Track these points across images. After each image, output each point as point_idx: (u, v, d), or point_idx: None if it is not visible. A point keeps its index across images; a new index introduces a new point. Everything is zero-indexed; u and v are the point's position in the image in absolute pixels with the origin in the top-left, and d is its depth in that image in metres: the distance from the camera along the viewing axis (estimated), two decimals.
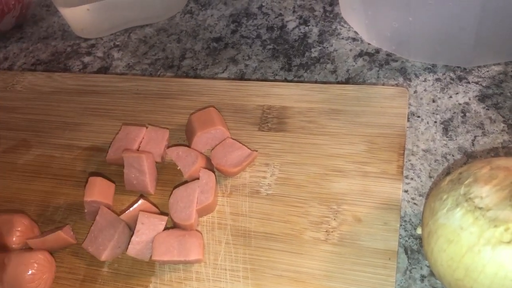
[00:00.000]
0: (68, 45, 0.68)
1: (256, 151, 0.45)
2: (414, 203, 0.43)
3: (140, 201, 0.42)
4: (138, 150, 0.46)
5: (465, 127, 0.47)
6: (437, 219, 0.33)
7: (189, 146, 0.46)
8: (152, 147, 0.46)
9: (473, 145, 0.45)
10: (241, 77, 0.57)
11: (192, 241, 0.39)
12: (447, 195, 0.33)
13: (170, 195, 0.42)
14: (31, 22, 0.74)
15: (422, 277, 0.38)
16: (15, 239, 0.40)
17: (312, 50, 0.58)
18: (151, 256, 0.39)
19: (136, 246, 0.40)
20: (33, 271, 0.37)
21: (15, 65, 0.67)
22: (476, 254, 0.30)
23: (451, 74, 0.51)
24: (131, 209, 0.41)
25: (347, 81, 0.53)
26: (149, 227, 0.40)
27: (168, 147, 0.46)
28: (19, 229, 0.40)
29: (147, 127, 0.48)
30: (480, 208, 0.31)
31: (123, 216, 0.41)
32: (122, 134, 0.47)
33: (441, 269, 0.33)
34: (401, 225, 0.41)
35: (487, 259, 0.30)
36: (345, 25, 0.59)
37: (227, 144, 0.45)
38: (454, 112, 0.48)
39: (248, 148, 0.45)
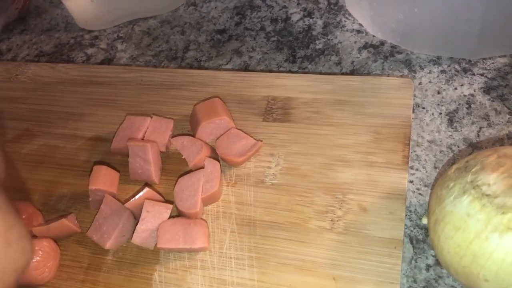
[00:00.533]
0: (71, 37, 0.68)
1: (261, 141, 0.45)
2: (420, 194, 0.43)
3: (146, 190, 0.42)
4: (142, 139, 0.46)
5: (470, 118, 0.47)
6: (444, 206, 0.33)
7: (193, 136, 0.46)
8: (156, 137, 0.46)
9: (478, 136, 0.45)
10: (245, 69, 0.57)
11: (197, 230, 0.39)
12: (454, 183, 0.33)
13: (175, 184, 0.42)
14: (34, 14, 0.74)
15: (428, 267, 0.38)
16: None
17: (317, 42, 0.58)
18: (156, 244, 0.39)
19: (141, 234, 0.39)
20: (38, 258, 0.37)
21: (18, 56, 0.67)
22: (483, 240, 0.30)
23: (456, 66, 0.51)
24: (136, 197, 0.41)
25: (351, 73, 0.53)
26: (154, 215, 0.40)
27: (173, 137, 0.46)
28: (23, 216, 0.40)
29: (151, 117, 0.48)
30: (488, 195, 0.31)
31: (128, 205, 0.41)
32: (127, 123, 0.47)
33: (447, 256, 0.33)
34: (406, 215, 0.41)
35: (494, 245, 0.30)
36: (350, 17, 0.59)
37: (231, 134, 0.45)
38: (459, 104, 0.48)
39: (253, 138, 0.45)
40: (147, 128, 0.47)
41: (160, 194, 0.43)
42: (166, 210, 0.40)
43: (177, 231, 0.39)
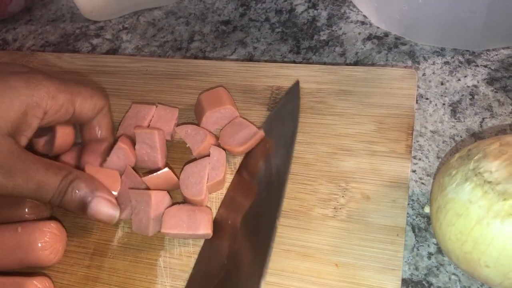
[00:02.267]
0: (76, 27, 0.68)
1: (261, 129, 0.45)
2: (422, 183, 0.43)
3: (165, 169, 0.42)
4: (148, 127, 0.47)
5: (473, 109, 0.47)
6: (446, 193, 0.33)
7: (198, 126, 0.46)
8: (161, 125, 0.47)
9: (481, 126, 0.45)
10: (250, 60, 0.57)
11: (202, 216, 0.40)
12: (456, 170, 0.34)
13: (180, 172, 0.42)
14: (39, 4, 0.74)
15: (430, 255, 0.39)
16: (27, 210, 0.40)
17: (321, 33, 0.58)
18: (159, 230, 0.40)
19: (136, 223, 0.40)
20: (46, 238, 0.38)
21: (24, 46, 0.67)
22: (485, 227, 0.31)
23: (460, 58, 0.51)
24: (155, 174, 0.42)
25: (355, 64, 0.53)
26: (142, 204, 0.40)
27: (177, 125, 0.47)
28: (29, 201, 0.40)
29: (156, 106, 0.48)
30: (489, 182, 0.31)
31: (146, 179, 0.42)
32: (132, 112, 0.48)
33: (449, 243, 0.33)
34: (408, 204, 0.41)
35: (495, 231, 0.30)
36: (354, 9, 0.59)
37: (235, 124, 0.45)
38: (463, 95, 0.48)
39: (255, 126, 0.45)
40: (153, 116, 0.47)
41: (176, 174, 0.44)
42: (149, 197, 0.40)
43: (181, 217, 0.39)
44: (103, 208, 0.39)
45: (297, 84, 0.48)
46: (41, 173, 0.37)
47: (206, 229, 0.39)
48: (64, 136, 0.44)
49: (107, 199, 0.39)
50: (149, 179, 0.42)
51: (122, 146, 0.43)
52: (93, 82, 0.54)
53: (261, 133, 0.45)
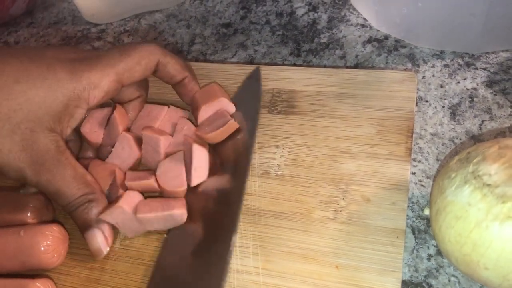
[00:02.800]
0: (78, 30, 0.69)
1: (233, 119, 0.45)
2: (422, 185, 0.43)
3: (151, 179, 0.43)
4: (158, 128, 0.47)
5: (472, 111, 0.47)
6: (446, 196, 0.34)
7: (196, 125, 0.47)
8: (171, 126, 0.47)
9: (480, 129, 0.46)
10: (250, 62, 0.58)
11: (176, 200, 0.41)
12: (456, 173, 0.34)
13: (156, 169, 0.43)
14: (41, 7, 0.75)
15: (429, 256, 0.39)
16: (29, 214, 0.40)
17: (321, 36, 0.58)
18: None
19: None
20: (48, 242, 0.38)
21: None
22: (484, 229, 0.31)
23: (459, 60, 0.52)
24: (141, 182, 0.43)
25: (355, 67, 0.54)
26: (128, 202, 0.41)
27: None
28: (32, 205, 0.41)
29: (169, 107, 0.48)
30: (489, 185, 0.32)
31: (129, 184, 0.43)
32: (145, 112, 0.48)
33: (448, 245, 0.33)
34: (408, 206, 0.42)
35: (494, 234, 0.31)
36: (354, 12, 0.60)
37: (218, 113, 0.46)
38: (462, 97, 0.48)
39: (231, 116, 0.45)
40: (164, 117, 0.48)
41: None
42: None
43: (155, 203, 0.40)
44: (97, 239, 0.39)
45: (257, 70, 0.50)
46: (66, 181, 0.38)
47: (180, 209, 0.40)
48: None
49: (104, 235, 0.40)
50: (133, 184, 0.43)
51: (128, 136, 0.44)
52: None
53: (232, 122, 0.45)
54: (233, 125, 0.45)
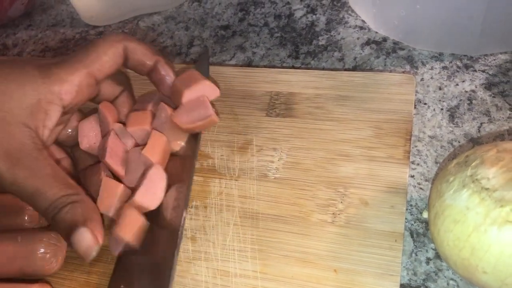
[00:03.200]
0: (76, 32, 0.68)
1: (217, 114, 0.44)
2: (420, 188, 0.43)
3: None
4: None
5: (471, 114, 0.47)
6: (444, 200, 0.33)
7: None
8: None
9: (479, 131, 0.46)
10: (249, 64, 0.57)
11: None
12: (454, 177, 0.34)
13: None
14: (39, 9, 0.74)
15: (428, 260, 0.39)
16: (27, 218, 0.40)
17: (320, 38, 0.58)
18: None
19: None
20: (46, 249, 0.38)
21: (24, 51, 0.68)
22: (482, 233, 0.31)
23: (458, 63, 0.51)
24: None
25: (354, 69, 0.54)
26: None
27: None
28: (30, 208, 0.41)
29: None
30: (487, 189, 0.31)
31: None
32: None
33: (447, 249, 0.33)
34: (407, 209, 0.42)
35: (493, 238, 0.30)
36: (353, 14, 0.60)
37: (199, 101, 0.44)
38: (461, 100, 0.48)
39: (214, 111, 0.44)
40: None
41: None
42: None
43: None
44: (85, 239, 0.36)
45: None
46: (45, 180, 0.36)
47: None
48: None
49: (93, 234, 0.36)
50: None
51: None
52: None
53: (213, 118, 0.43)
54: (214, 120, 0.44)
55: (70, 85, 0.39)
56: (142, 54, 0.43)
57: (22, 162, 0.36)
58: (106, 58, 0.41)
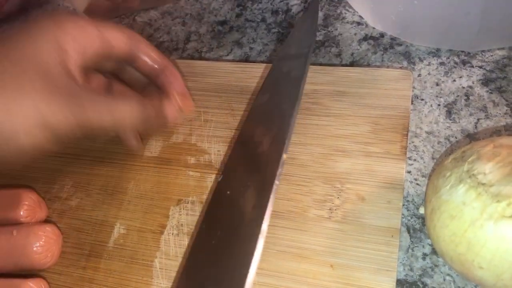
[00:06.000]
0: None
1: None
2: (417, 184, 0.43)
3: None
4: None
5: (468, 110, 0.47)
6: (440, 195, 0.33)
7: None
8: None
9: (476, 127, 0.46)
10: (246, 60, 0.57)
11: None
12: (451, 172, 0.34)
13: None
14: (36, 4, 0.74)
15: (424, 255, 0.39)
16: (22, 212, 0.40)
17: (317, 34, 0.58)
18: None
19: None
20: (41, 242, 0.38)
21: None
22: (478, 228, 0.31)
23: (455, 58, 0.51)
24: None
25: (351, 64, 0.54)
26: None
27: None
28: (26, 203, 0.40)
29: None
30: (483, 184, 0.31)
31: None
32: None
33: (443, 244, 0.33)
34: (403, 205, 0.42)
35: (489, 233, 0.30)
36: (350, 10, 0.60)
37: None
38: (458, 96, 0.48)
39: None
40: None
41: None
42: None
43: None
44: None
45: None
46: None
47: None
48: None
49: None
50: None
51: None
52: None
53: None
54: None
55: (84, 31, 0.38)
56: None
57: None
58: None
